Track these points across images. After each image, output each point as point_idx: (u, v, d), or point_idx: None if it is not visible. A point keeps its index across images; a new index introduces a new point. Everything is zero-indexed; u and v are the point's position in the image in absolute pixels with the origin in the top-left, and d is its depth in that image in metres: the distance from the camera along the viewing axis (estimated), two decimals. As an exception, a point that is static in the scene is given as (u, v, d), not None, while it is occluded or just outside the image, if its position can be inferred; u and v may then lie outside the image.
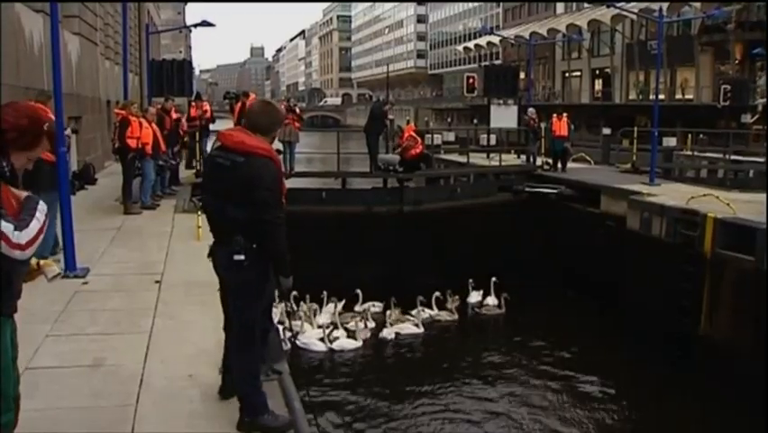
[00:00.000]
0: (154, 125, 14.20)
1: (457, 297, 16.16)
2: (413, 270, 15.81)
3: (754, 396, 10.60)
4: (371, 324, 14.80)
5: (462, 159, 23.99)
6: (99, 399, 5.09)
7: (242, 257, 4.38)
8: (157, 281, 8.24)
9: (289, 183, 18.20)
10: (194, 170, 18.08)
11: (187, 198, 14.22)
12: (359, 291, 15.05)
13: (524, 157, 22.97)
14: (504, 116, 25.68)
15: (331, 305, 15.04)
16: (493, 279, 16.19)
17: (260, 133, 4.47)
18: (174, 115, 17.37)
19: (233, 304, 4.67)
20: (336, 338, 13.96)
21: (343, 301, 15.06)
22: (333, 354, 13.72)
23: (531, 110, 22.80)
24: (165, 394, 5.17)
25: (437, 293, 15.60)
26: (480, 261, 16.33)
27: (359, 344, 13.99)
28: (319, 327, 14.26)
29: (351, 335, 14.19)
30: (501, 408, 11.57)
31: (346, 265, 15.28)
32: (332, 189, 18.56)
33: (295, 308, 14.26)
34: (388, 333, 14.61)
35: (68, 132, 10.14)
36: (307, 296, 14.72)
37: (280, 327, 13.23)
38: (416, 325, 14.91)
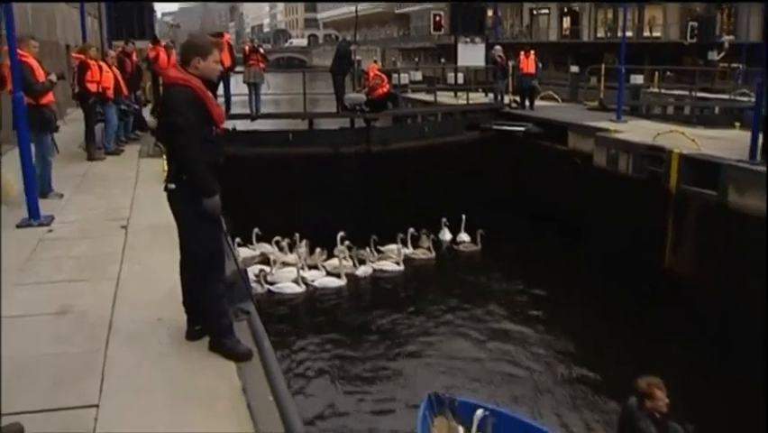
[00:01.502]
0: (115, 69, 13.85)
1: (433, 235, 16.36)
2: (382, 210, 15.86)
3: (714, 328, 10.93)
4: (349, 262, 14.91)
5: (430, 98, 23.84)
6: (67, 345, 5.08)
7: (174, 186, 4.62)
8: (123, 227, 8.15)
9: (255, 125, 18.18)
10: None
11: (152, 142, 13.98)
12: (342, 233, 15.10)
13: (491, 95, 22.87)
14: (471, 55, 25.49)
15: (303, 246, 15.06)
16: (463, 216, 16.45)
17: (185, 64, 4.65)
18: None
19: (180, 235, 4.83)
20: (312, 281, 14.04)
21: (319, 251, 15.02)
22: (314, 294, 13.82)
23: (498, 48, 22.60)
24: (134, 338, 5.17)
25: (412, 230, 15.71)
26: (450, 199, 16.47)
27: (342, 282, 14.09)
28: (288, 264, 14.31)
29: (331, 274, 14.34)
30: (481, 344, 11.81)
31: (315, 207, 15.26)
32: (299, 131, 18.37)
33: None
34: (369, 271, 14.73)
35: (52, 77, 9.90)
36: (278, 238, 14.76)
37: (250, 271, 13.41)
38: (397, 263, 15.05)
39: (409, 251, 15.71)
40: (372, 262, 15.12)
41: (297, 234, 15.02)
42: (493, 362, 11.12)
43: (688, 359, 10.71)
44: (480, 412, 7.88)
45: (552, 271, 14.72)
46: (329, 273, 14.46)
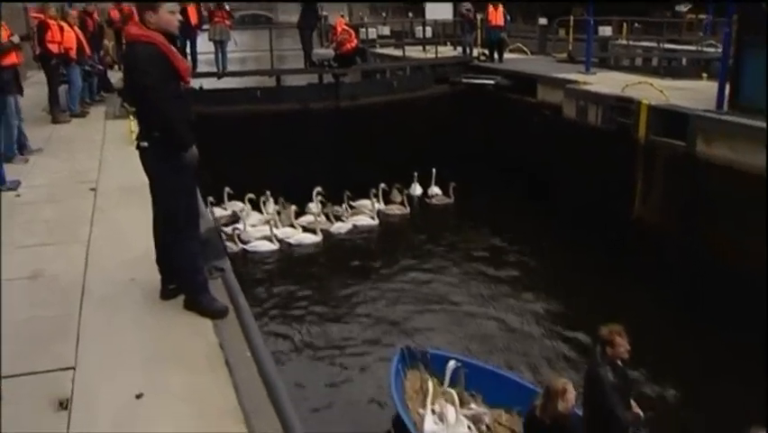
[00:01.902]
0: (77, 29, 13.50)
1: (406, 190, 16.46)
2: (352, 165, 15.84)
3: (681, 277, 11.14)
4: (323, 218, 14.96)
5: (398, 52, 23.66)
6: (41, 309, 5.06)
7: (146, 144, 4.58)
8: (92, 189, 8.06)
9: (222, 83, 17.94)
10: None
11: (118, 103, 13.74)
12: (318, 188, 15.08)
13: (460, 49, 22.72)
14: (439, 9, 25.23)
15: (273, 203, 15.02)
16: (433, 170, 16.58)
17: (143, 22, 4.57)
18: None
19: (153, 193, 4.80)
20: (287, 238, 14.05)
21: (294, 208, 14.98)
22: (289, 251, 13.84)
23: (466, 4, 22.37)
24: (108, 299, 5.16)
25: (383, 185, 15.75)
26: (420, 153, 16.47)
27: (318, 238, 14.12)
28: (265, 222, 14.30)
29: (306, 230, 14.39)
30: (454, 296, 11.93)
31: (285, 164, 15.19)
32: (266, 88, 18.18)
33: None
34: (345, 226, 14.79)
35: (14, 38, 9.63)
36: (250, 196, 14.70)
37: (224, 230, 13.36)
38: (372, 217, 15.13)
39: (382, 206, 15.74)
40: (346, 217, 15.12)
41: (269, 192, 14.96)
42: (466, 314, 11.26)
43: (657, 308, 10.93)
44: (452, 363, 7.99)
45: (522, 222, 14.89)
46: (305, 229, 14.45)
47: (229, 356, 4.34)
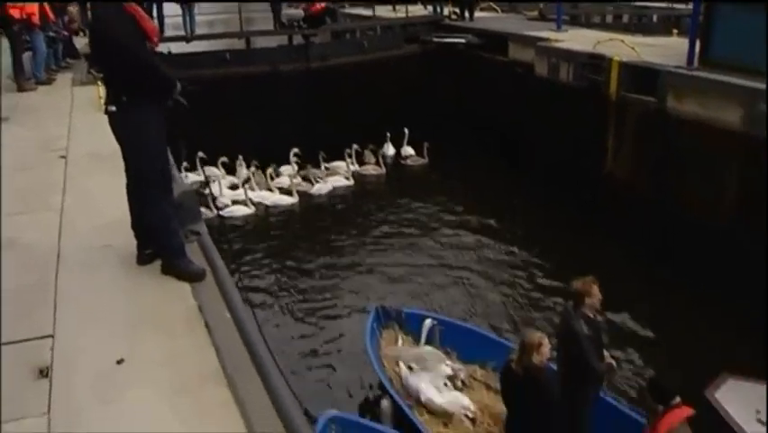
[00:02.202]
0: (39, -7, 13.13)
1: (381, 151, 16.53)
2: (324, 127, 15.76)
3: (652, 232, 11.30)
4: (299, 180, 14.94)
5: (368, 12, 23.33)
6: (16, 278, 4.99)
7: (114, 108, 4.54)
8: (62, 157, 7.93)
9: (191, 47, 17.64)
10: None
11: (85, 69, 13.46)
12: (295, 150, 15.03)
13: (430, 8, 22.51)
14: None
15: (246, 167, 14.93)
16: (406, 130, 16.61)
17: None
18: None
19: (125, 157, 4.76)
20: (263, 200, 13.99)
21: (271, 171, 14.89)
22: (265, 214, 13.84)
23: None
24: (84, 267, 5.13)
25: (356, 146, 15.72)
26: (392, 114, 16.42)
27: (294, 200, 14.06)
28: (235, 186, 14.23)
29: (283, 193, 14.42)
30: (430, 255, 12.05)
31: (256, 127, 15.06)
32: (236, 50, 17.88)
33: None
34: (323, 187, 14.83)
35: None
36: (223, 159, 14.59)
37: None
38: (347, 178, 15.13)
39: (355, 167, 15.75)
40: (322, 179, 15.09)
41: (241, 156, 14.85)
42: (441, 272, 11.38)
43: (628, 263, 11.11)
44: (428, 322, 8.09)
45: (495, 180, 15.02)
46: (281, 192, 14.41)
47: (208, 319, 4.35)
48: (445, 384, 7.55)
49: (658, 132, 12.08)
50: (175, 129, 4.82)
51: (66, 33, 15.37)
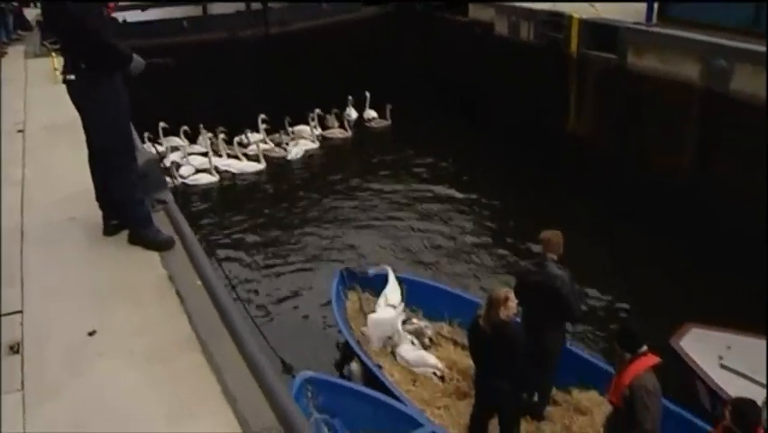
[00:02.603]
0: (-16, -38, 12.74)
1: (346, 113, 16.51)
2: (286, 93, 15.59)
3: (613, 187, 11.47)
4: (270, 145, 14.89)
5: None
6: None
7: (73, 76, 4.44)
8: (20, 131, 7.75)
9: (147, 15, 17.21)
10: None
11: (38, 41, 13.09)
12: (263, 116, 14.98)
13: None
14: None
15: (206, 135, 14.74)
16: (367, 93, 16.59)
17: None
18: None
19: (86, 128, 4.68)
20: (229, 167, 13.88)
21: (239, 138, 14.70)
22: (233, 181, 13.75)
23: None
24: (49, 240, 5.05)
25: (318, 110, 15.61)
26: (354, 78, 16.36)
27: (262, 165, 13.98)
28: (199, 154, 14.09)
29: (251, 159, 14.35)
30: (394, 217, 12.16)
31: (216, 95, 14.83)
32: (193, 17, 17.51)
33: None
34: (298, 151, 14.84)
35: None
36: (185, 128, 14.39)
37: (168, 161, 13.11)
38: (312, 141, 15.16)
39: (318, 131, 15.72)
40: (289, 143, 15.06)
41: (202, 125, 14.65)
42: (407, 233, 11.48)
43: (590, 219, 11.27)
44: (388, 272, 8.21)
45: (458, 139, 15.09)
46: (248, 159, 14.32)
47: (179, 286, 4.33)
48: (413, 343, 7.63)
49: (619, 88, 12.18)
50: (134, 98, 4.73)
51: (15, 4, 14.93)
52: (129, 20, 16.23)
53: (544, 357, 6.33)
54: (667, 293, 9.15)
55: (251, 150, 14.70)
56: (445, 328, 8.10)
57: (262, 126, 15.04)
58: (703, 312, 7.84)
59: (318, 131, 15.65)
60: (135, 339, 3.91)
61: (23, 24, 15.01)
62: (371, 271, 8.70)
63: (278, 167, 14.50)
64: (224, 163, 14.11)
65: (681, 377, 6.76)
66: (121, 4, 16.18)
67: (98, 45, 4.38)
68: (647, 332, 7.51)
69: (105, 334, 3.96)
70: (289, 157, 14.76)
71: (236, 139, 14.56)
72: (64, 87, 4.62)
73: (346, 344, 7.64)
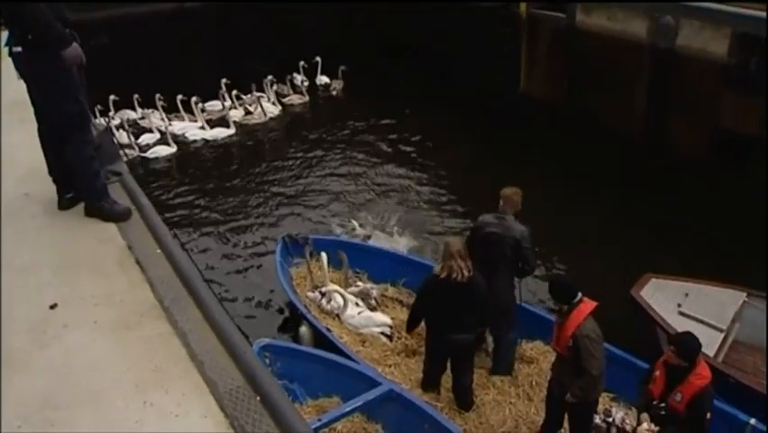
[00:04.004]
0: None
1: (298, 80, 16.20)
2: (236, 61, 15.38)
3: (566, 139, 11.65)
4: (239, 111, 14.73)
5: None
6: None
7: (20, 49, 4.34)
8: (-36, 108, 7.53)
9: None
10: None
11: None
12: (225, 80, 14.63)
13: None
14: None
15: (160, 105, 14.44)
16: (318, 58, 16.34)
17: None
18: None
19: (35, 102, 4.61)
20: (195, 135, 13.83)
21: (202, 105, 14.46)
22: (191, 149, 13.55)
23: None
24: (4, 217, 4.97)
25: (270, 77, 15.43)
26: (304, 43, 16.21)
27: (232, 131, 13.95)
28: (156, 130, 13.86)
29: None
30: (348, 181, 12.08)
31: (168, 66, 14.51)
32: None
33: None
34: (274, 111, 14.81)
35: None
36: (136, 96, 14.09)
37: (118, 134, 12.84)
38: (274, 103, 15.08)
39: (273, 98, 15.51)
40: (254, 107, 14.94)
41: (158, 95, 14.33)
42: (363, 193, 11.46)
43: (547, 170, 11.34)
44: (324, 254, 8.11)
45: (412, 101, 14.91)
46: (212, 124, 14.20)
47: (139, 256, 4.34)
48: (357, 304, 7.69)
49: (568, 46, 12.33)
50: (82, 72, 4.63)
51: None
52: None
53: (503, 312, 6.46)
54: (625, 245, 9.34)
55: (213, 115, 14.47)
56: (390, 289, 8.20)
57: (232, 93, 14.80)
58: (660, 263, 8.05)
59: (272, 97, 15.44)
60: (99, 310, 3.92)
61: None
62: (313, 236, 8.74)
63: (247, 132, 14.32)
64: (191, 131, 13.87)
65: (641, 325, 6.98)
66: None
67: (38, 28, 4.27)
68: (607, 282, 7.83)
69: (68, 306, 3.96)
70: (266, 118, 14.61)
71: (200, 105, 14.23)
72: (8, 61, 4.51)
73: (293, 308, 7.70)
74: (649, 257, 8.74)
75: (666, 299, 7.12)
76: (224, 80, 14.64)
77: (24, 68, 4.47)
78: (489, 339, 6.89)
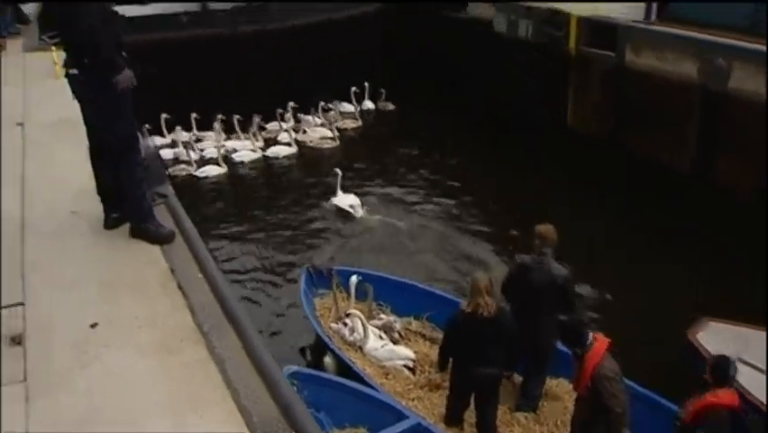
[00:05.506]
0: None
1: (357, 105, 16.54)
2: (288, 87, 15.60)
3: (613, 175, 11.48)
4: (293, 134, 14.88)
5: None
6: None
7: (76, 71, 4.43)
8: (19, 124, 7.73)
9: (147, 9, 17.01)
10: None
11: (36, 35, 13.01)
12: (292, 103, 15.17)
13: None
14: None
15: (214, 129, 14.68)
16: (366, 83, 16.70)
17: None
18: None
19: (87, 122, 4.69)
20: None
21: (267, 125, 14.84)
22: (243, 170, 13.74)
23: None
24: (51, 233, 5.06)
25: (322, 103, 15.71)
26: (357, 72, 16.44)
27: (294, 149, 14.31)
28: (202, 150, 14.10)
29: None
30: (397, 208, 12.06)
31: (218, 90, 14.75)
32: (192, 12, 17.39)
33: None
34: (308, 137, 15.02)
35: None
36: (195, 116, 14.33)
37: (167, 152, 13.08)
38: (331, 129, 15.32)
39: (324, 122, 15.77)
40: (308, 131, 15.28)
41: (220, 115, 14.58)
42: (397, 232, 11.29)
43: (593, 205, 11.27)
44: (354, 279, 8.13)
45: (461, 134, 14.94)
46: (277, 143, 14.62)
47: (181, 280, 4.36)
48: (381, 337, 7.65)
49: (617, 85, 12.21)
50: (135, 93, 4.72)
51: (13, -4, 14.81)
52: (127, 15, 16.11)
53: (540, 354, 6.37)
54: (676, 285, 9.10)
55: (283, 137, 14.80)
56: (413, 323, 8.12)
57: (291, 113, 15.27)
58: (713, 305, 7.85)
59: (323, 120, 15.74)
60: (138, 332, 3.94)
61: (21, 17, 14.93)
62: (336, 267, 8.70)
63: (305, 154, 14.54)
64: (243, 152, 14.09)
65: (697, 370, 6.75)
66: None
67: (90, 44, 4.37)
68: (661, 322, 7.66)
69: (109, 326, 3.98)
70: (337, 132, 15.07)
71: (258, 123, 14.57)
72: (63, 81, 4.63)
73: (317, 338, 7.65)
74: (699, 296, 8.56)
75: (725, 344, 6.81)
76: (291, 103, 15.06)
77: (80, 89, 4.57)
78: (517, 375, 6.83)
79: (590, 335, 5.18)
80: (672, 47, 11.21)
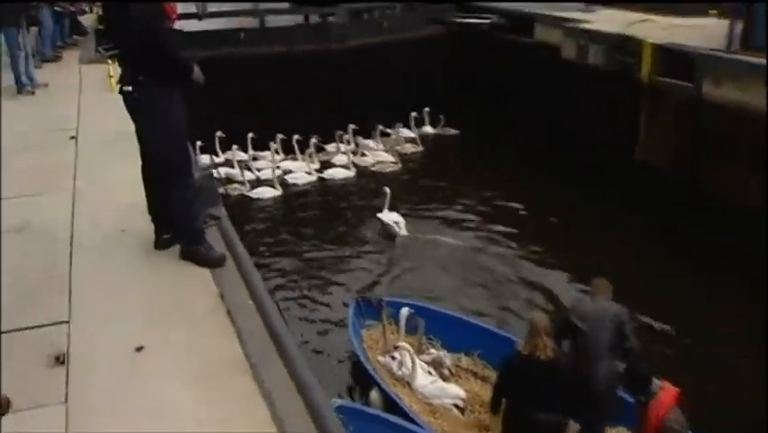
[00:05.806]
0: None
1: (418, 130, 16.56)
2: (344, 109, 15.34)
3: (690, 215, 10.92)
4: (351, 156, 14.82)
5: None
6: (30, 261, 4.79)
7: (130, 88, 4.35)
8: (72, 137, 7.68)
9: (203, 25, 17.13)
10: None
11: (92, 47, 13.15)
12: (353, 126, 15.13)
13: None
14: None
15: (271, 150, 14.61)
16: (426, 108, 16.63)
17: None
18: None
19: (141, 140, 4.58)
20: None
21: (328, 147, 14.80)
22: (290, 191, 13.62)
23: None
24: (99, 251, 4.92)
25: (381, 126, 15.66)
26: (414, 95, 16.24)
27: (351, 173, 14.27)
28: (258, 170, 14.09)
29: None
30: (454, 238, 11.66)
31: (273, 108, 14.66)
32: (250, 29, 17.46)
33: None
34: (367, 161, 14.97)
35: None
36: (251, 135, 14.34)
37: (219, 172, 13.06)
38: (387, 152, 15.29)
39: (380, 146, 15.71)
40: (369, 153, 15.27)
41: (279, 135, 14.53)
42: (459, 264, 10.87)
43: (658, 252, 10.68)
44: (404, 311, 7.90)
45: (524, 162, 14.47)
46: (335, 165, 14.58)
47: (230, 306, 4.16)
48: (430, 373, 7.42)
49: (694, 117, 11.67)
50: (189, 110, 4.58)
51: (73, 9, 15.09)
52: (185, 30, 16.21)
53: (598, 401, 5.96)
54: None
55: (340, 159, 14.73)
56: (464, 360, 7.83)
57: (350, 136, 15.11)
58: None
59: (380, 145, 15.67)
60: (184, 358, 3.75)
61: (79, 29, 15.16)
62: (387, 298, 8.47)
63: (363, 177, 14.40)
64: (298, 174, 14.02)
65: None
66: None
67: (164, 59, 4.28)
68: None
69: (154, 350, 3.80)
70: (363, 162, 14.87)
71: (316, 144, 14.48)
72: (118, 94, 4.53)
73: (364, 371, 7.41)
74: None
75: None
76: (351, 126, 14.91)
77: (132, 107, 4.46)
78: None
79: (657, 382, 4.87)
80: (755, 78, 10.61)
